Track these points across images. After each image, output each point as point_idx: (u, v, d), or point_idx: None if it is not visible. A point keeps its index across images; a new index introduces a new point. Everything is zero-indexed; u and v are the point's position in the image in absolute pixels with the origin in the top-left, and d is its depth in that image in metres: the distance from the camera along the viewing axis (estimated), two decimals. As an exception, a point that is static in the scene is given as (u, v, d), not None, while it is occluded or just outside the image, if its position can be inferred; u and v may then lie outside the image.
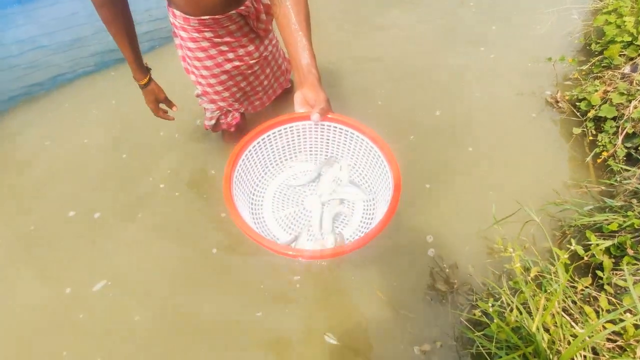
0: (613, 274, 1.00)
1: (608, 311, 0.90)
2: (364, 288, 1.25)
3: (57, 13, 1.83)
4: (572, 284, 1.03)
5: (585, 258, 1.07)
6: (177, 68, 1.31)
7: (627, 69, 1.56)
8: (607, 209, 1.21)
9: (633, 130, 1.38)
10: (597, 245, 1.06)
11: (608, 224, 1.11)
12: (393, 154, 0.80)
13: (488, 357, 0.94)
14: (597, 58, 1.74)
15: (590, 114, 1.53)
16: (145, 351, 1.18)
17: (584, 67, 1.76)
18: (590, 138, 1.53)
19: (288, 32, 0.81)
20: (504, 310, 1.00)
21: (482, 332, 1.00)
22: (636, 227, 1.06)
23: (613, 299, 0.94)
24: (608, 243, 1.06)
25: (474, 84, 1.86)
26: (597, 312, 0.92)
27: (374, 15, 2.38)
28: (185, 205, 1.53)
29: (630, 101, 1.42)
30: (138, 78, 1.18)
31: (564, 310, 0.95)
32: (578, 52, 1.94)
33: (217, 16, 1.05)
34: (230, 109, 1.41)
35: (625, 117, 1.41)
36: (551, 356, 0.84)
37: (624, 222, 1.08)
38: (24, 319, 1.26)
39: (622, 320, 0.83)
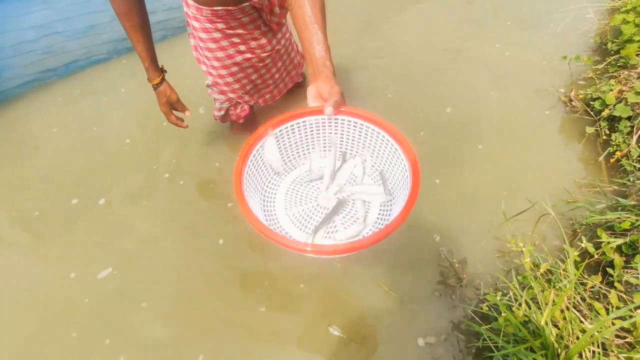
0: (624, 271, 0.99)
1: (618, 308, 0.89)
2: (369, 281, 1.25)
3: (73, -1, 1.84)
4: (581, 281, 1.02)
5: (596, 256, 1.07)
6: (189, 58, 1.30)
7: (643, 68, 1.53)
8: (620, 208, 1.20)
9: (648, 130, 1.37)
10: (609, 243, 1.06)
11: (620, 223, 1.10)
12: (411, 145, 0.76)
13: (495, 350, 0.94)
14: (613, 57, 1.71)
15: (605, 113, 1.51)
16: (149, 339, 1.18)
17: (599, 67, 1.74)
18: (604, 137, 1.51)
19: (302, 24, 0.79)
20: (512, 304, 0.99)
21: (489, 326, 1.00)
22: (649, 226, 1.05)
23: (624, 296, 0.93)
24: (620, 241, 1.05)
25: (487, 81, 1.85)
26: (606, 309, 0.92)
27: (386, 11, 2.37)
28: (190, 194, 1.53)
29: (646, 101, 1.40)
30: (151, 77, 1.16)
31: (574, 306, 0.95)
32: (593, 52, 1.92)
33: (230, 7, 1.04)
34: (239, 100, 1.40)
35: (640, 117, 1.39)
36: (559, 350, 0.83)
37: (637, 220, 1.07)
38: (30, 302, 1.27)
39: (632, 317, 0.82)
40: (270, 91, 1.44)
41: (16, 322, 1.23)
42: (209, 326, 1.19)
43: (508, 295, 1.04)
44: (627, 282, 0.97)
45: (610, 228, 1.15)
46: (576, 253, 1.01)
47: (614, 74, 1.65)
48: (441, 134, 1.63)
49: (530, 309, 0.93)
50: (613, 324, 0.84)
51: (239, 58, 1.20)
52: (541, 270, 1.01)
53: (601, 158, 1.46)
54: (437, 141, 1.61)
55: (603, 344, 0.85)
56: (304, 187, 0.92)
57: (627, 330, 0.87)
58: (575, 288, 0.97)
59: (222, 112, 1.45)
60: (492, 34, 2.10)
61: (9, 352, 1.17)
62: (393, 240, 1.32)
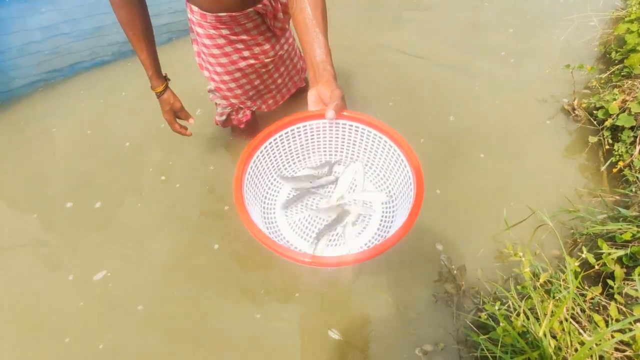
0: (625, 283, 0.98)
1: (617, 320, 0.88)
2: (369, 287, 1.25)
3: (80, 0, 1.86)
4: (581, 292, 1.01)
5: (596, 267, 1.06)
6: (192, 61, 1.31)
7: (647, 78, 1.53)
8: (621, 219, 1.19)
9: (651, 140, 1.36)
10: (609, 254, 1.05)
11: (621, 234, 1.10)
12: (413, 150, 0.75)
13: (492, 361, 0.93)
14: (616, 67, 1.71)
15: (608, 123, 1.50)
16: (143, 345, 1.18)
17: (603, 76, 1.73)
18: (606, 147, 1.51)
19: (304, 28, 0.78)
20: (510, 314, 0.99)
21: (487, 336, 0.99)
22: (650, 237, 1.04)
23: (623, 308, 0.92)
24: (620, 252, 1.04)
25: (490, 89, 1.85)
26: (606, 322, 0.91)
27: (390, 17, 2.37)
28: (186, 198, 1.52)
29: (649, 111, 1.39)
30: (154, 86, 1.16)
31: (573, 317, 0.94)
32: (597, 60, 1.91)
33: (234, 13, 1.05)
34: (242, 106, 1.40)
35: (643, 127, 1.39)
36: (557, 362, 0.83)
37: (638, 232, 1.06)
38: (25, 306, 1.27)
39: (631, 330, 0.81)
40: (272, 96, 1.44)
41: (10, 327, 1.23)
42: (205, 331, 1.19)
43: (507, 305, 1.03)
44: (627, 295, 0.96)
45: (611, 239, 1.14)
46: (577, 263, 1.00)
47: (617, 84, 1.64)
48: (442, 142, 1.63)
49: (528, 319, 0.92)
50: (612, 336, 0.84)
51: (242, 64, 1.21)
52: (541, 281, 1.01)
53: (603, 167, 1.46)
54: (438, 149, 1.61)
55: (602, 357, 0.84)
56: (304, 193, 0.90)
57: (627, 344, 0.86)
58: (574, 299, 0.97)
59: (224, 117, 1.45)
60: (496, 42, 2.10)
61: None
62: (393, 247, 1.32)
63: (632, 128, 1.43)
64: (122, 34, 1.02)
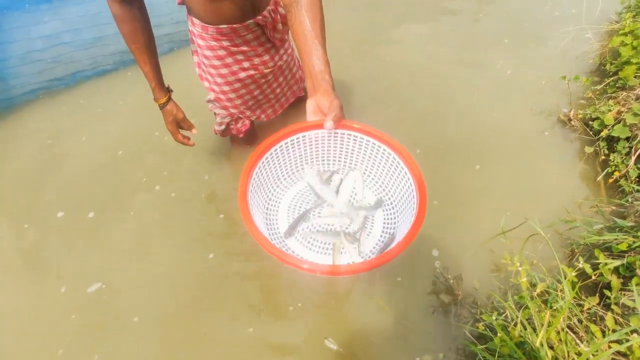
0: (621, 294, 0.98)
1: (614, 331, 0.88)
2: (366, 297, 1.25)
3: (83, 11, 1.89)
4: (578, 303, 1.01)
5: (593, 277, 1.06)
6: (192, 71, 1.32)
7: (642, 90, 1.55)
8: (617, 229, 1.19)
9: (646, 151, 1.37)
10: (606, 264, 1.05)
11: (618, 244, 1.10)
12: (412, 157, 0.76)
13: (490, 371, 0.93)
14: (611, 78, 1.73)
15: (603, 134, 1.52)
16: (138, 357, 1.17)
17: (598, 87, 1.76)
18: (603, 157, 1.52)
19: (302, 39, 0.79)
20: (508, 324, 0.98)
21: (484, 346, 0.99)
22: (646, 248, 1.04)
23: (620, 319, 0.92)
24: (617, 263, 1.05)
25: (487, 100, 1.87)
26: (603, 332, 0.91)
27: (387, 28, 2.41)
28: (181, 207, 1.52)
29: (644, 122, 1.41)
30: (157, 97, 1.17)
31: (570, 328, 0.94)
32: (592, 72, 1.94)
33: (235, 25, 1.07)
34: (241, 116, 1.42)
35: (638, 139, 1.40)
36: (555, 373, 0.82)
37: (634, 242, 1.07)
38: (18, 316, 1.26)
39: (628, 341, 0.81)
40: (271, 106, 1.46)
41: (1, 338, 1.22)
42: (202, 342, 1.18)
43: (504, 315, 1.03)
44: (624, 305, 0.96)
45: (608, 249, 1.15)
46: (574, 273, 1.00)
47: (612, 95, 1.66)
48: (439, 152, 1.64)
49: (525, 329, 0.92)
50: (609, 347, 0.83)
51: (242, 75, 1.22)
52: (538, 291, 1.01)
53: (600, 178, 1.47)
54: (435, 159, 1.62)
55: (599, 367, 0.84)
56: (305, 203, 0.90)
57: (624, 355, 0.85)
58: (571, 309, 0.96)
59: (223, 127, 1.46)
60: (493, 53, 2.12)
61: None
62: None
63: (627, 139, 1.45)
64: (124, 44, 1.04)
